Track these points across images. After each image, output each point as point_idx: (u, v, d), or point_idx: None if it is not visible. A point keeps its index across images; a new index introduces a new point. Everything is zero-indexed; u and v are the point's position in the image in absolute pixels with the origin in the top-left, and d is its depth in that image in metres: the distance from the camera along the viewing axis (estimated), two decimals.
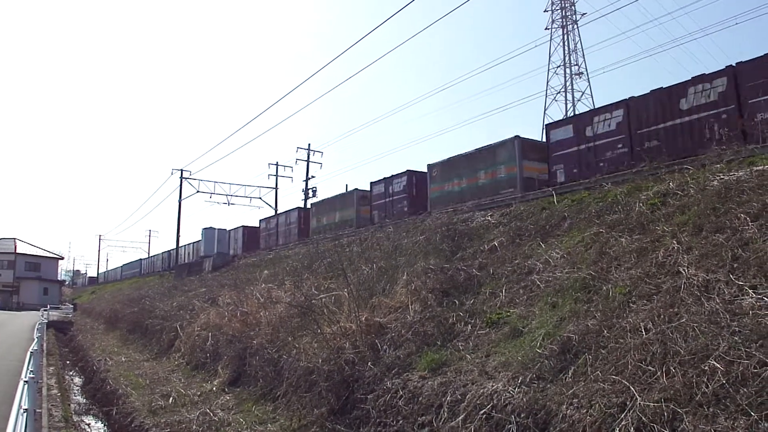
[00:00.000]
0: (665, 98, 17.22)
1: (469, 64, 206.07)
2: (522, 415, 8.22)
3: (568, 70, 60.69)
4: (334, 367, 12.57)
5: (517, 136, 22.08)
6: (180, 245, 58.01)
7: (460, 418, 8.94)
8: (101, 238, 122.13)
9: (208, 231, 48.94)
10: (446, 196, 24.75)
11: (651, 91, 17.89)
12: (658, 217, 11.82)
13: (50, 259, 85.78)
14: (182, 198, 55.86)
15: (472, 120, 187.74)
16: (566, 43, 61.09)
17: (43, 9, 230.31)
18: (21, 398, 9.94)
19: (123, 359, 25.58)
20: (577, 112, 53.44)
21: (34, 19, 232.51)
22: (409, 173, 28.59)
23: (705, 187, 11.89)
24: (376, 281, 16.21)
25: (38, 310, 51.47)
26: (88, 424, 17.44)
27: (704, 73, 16.55)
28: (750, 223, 9.54)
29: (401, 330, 12.77)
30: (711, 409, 6.42)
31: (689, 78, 16.95)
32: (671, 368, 7.29)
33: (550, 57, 61.53)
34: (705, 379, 6.79)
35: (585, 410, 7.55)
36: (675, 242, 10.29)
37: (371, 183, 31.22)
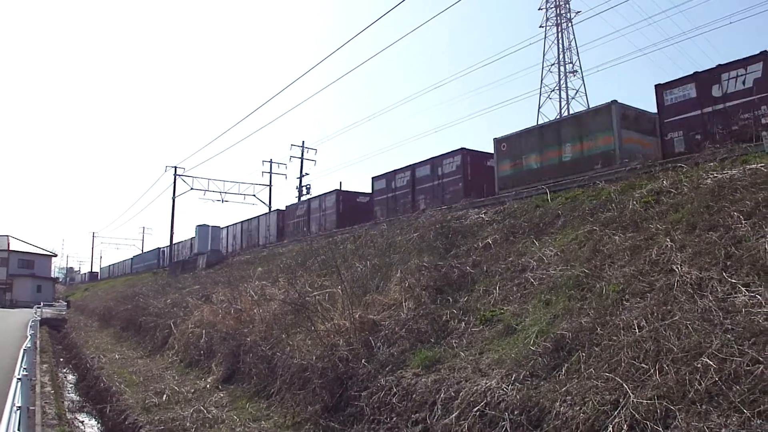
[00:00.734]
0: None
1: (465, 63, 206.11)
2: (515, 413, 8.23)
3: (562, 68, 60.78)
4: (327, 365, 12.57)
5: (614, 101, 19.48)
6: (175, 242, 58.00)
7: (454, 415, 8.95)
8: (95, 235, 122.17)
9: (201, 228, 48.87)
10: (520, 175, 21.86)
11: None
12: (651, 215, 11.85)
13: (44, 256, 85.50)
14: (176, 195, 55.78)
15: (468, 117, 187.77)
16: (560, 41, 61.18)
17: (37, 5, 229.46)
18: (14, 396, 9.91)
19: (117, 356, 25.49)
20: (571, 111, 53.56)
21: (26, 16, 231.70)
22: (463, 152, 25.72)
23: (698, 185, 11.92)
24: (369, 278, 16.21)
25: (31, 308, 51.26)
26: (82, 422, 17.36)
27: None
28: (743, 222, 9.57)
29: (395, 327, 12.77)
30: (704, 407, 6.44)
31: None
32: (664, 366, 7.32)
33: (544, 55, 61.86)
34: (698, 377, 6.81)
35: (578, 407, 7.57)
36: (668, 240, 10.32)
37: (413, 165, 28.43)
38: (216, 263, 41.68)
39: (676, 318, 8.08)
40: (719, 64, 16.66)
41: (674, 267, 9.41)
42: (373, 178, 31.35)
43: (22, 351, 15.70)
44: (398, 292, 14.33)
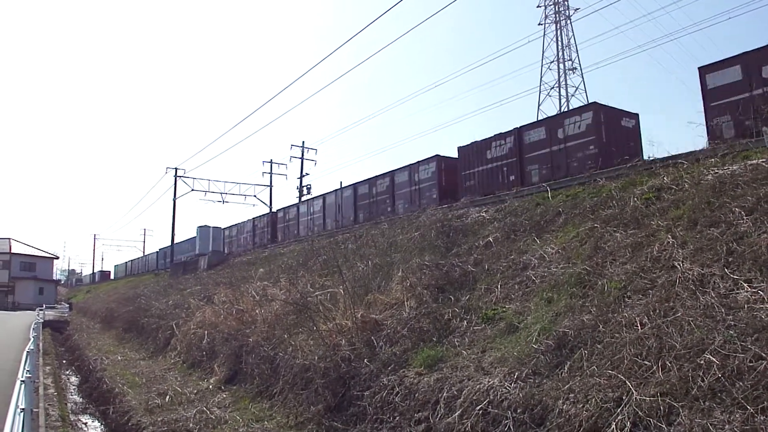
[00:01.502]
0: None
1: (465, 61, 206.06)
2: (518, 411, 8.23)
3: (561, 66, 60.65)
4: (330, 364, 12.58)
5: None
6: (179, 241, 58.07)
7: (457, 414, 8.95)
8: (96, 237, 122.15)
9: (203, 229, 48.89)
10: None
11: None
12: (652, 212, 11.83)
13: (45, 258, 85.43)
14: (177, 197, 55.71)
15: (468, 115, 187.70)
16: (559, 39, 61.06)
17: (37, 6, 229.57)
18: (18, 398, 9.90)
19: (119, 358, 25.52)
20: (571, 108, 53.51)
21: (27, 17, 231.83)
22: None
23: (699, 181, 11.90)
24: (371, 278, 16.22)
25: (34, 310, 51.27)
26: (85, 423, 17.39)
27: None
28: (744, 217, 9.56)
29: (397, 326, 12.77)
30: (707, 403, 6.44)
31: None
32: (667, 362, 7.31)
33: (543, 52, 61.45)
34: (701, 373, 6.80)
35: (581, 405, 7.57)
36: (670, 237, 10.30)
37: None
38: (217, 264, 41.70)
39: (679, 315, 8.08)
40: None
41: (676, 263, 9.40)
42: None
43: (25, 353, 15.72)
44: (400, 291, 14.33)
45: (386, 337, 12.66)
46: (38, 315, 43.17)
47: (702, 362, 6.94)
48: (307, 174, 55.77)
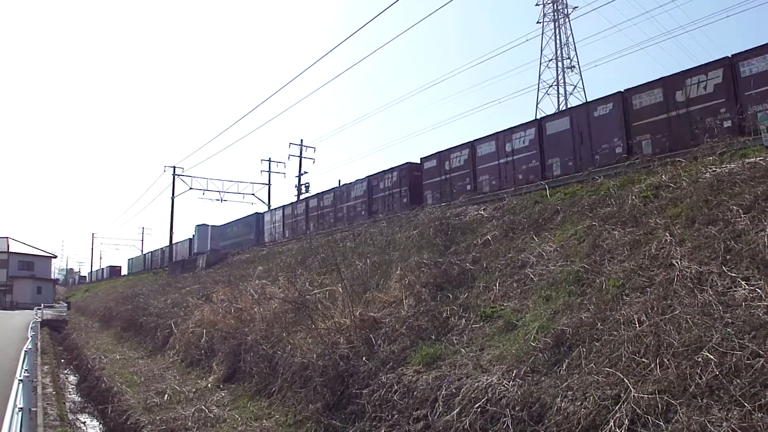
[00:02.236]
0: None
1: (463, 59, 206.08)
2: (517, 408, 8.24)
3: (560, 64, 60.68)
4: (328, 363, 12.58)
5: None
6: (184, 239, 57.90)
7: (455, 411, 8.95)
8: (94, 236, 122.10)
9: (201, 228, 48.83)
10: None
11: None
12: (650, 210, 11.84)
13: (43, 257, 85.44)
14: (175, 195, 55.68)
15: (467, 113, 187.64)
16: (558, 37, 61.08)
17: (37, 5, 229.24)
18: (16, 397, 9.91)
19: (117, 357, 25.51)
20: (569, 106, 53.51)
21: (26, 16, 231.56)
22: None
23: (697, 179, 11.92)
24: (369, 276, 16.22)
25: (32, 309, 51.23)
26: (84, 422, 17.39)
27: None
28: (742, 215, 9.57)
29: (395, 324, 12.77)
30: (705, 401, 6.45)
31: None
32: (665, 360, 7.32)
33: (542, 51, 61.49)
34: (698, 371, 6.81)
35: (579, 403, 7.58)
36: (668, 235, 10.31)
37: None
38: (216, 262, 41.67)
39: (677, 312, 8.09)
40: None
41: (674, 261, 9.42)
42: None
43: (23, 352, 15.70)
44: (398, 289, 14.34)
45: (385, 335, 12.67)
46: (36, 314, 43.13)
47: (700, 360, 6.95)
48: (305, 172, 55.80)
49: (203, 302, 25.15)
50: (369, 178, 30.48)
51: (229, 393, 15.60)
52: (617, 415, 6.94)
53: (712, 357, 6.85)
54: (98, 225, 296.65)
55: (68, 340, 38.35)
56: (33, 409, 13.52)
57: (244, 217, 48.67)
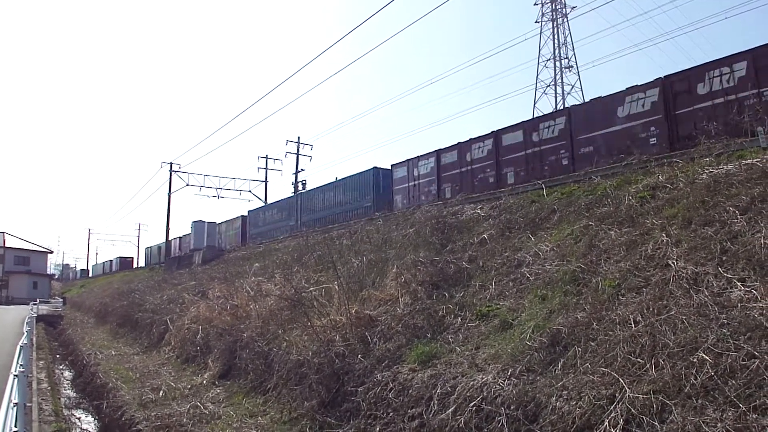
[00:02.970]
0: None
1: (462, 58, 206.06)
2: (512, 407, 8.24)
3: (558, 64, 60.72)
4: (324, 360, 12.58)
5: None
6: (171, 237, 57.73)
7: (450, 410, 8.96)
8: (91, 231, 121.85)
9: (197, 224, 48.74)
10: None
11: None
12: (647, 210, 11.85)
13: (39, 252, 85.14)
14: (171, 191, 55.65)
15: (466, 112, 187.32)
16: (556, 37, 61.12)
17: (36, 4, 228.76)
18: (11, 392, 9.88)
19: (113, 353, 25.51)
20: (567, 105, 53.52)
21: (23, 13, 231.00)
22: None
23: (694, 180, 11.92)
24: (366, 274, 16.22)
25: (27, 305, 51.17)
26: (79, 418, 17.37)
27: None
28: (739, 216, 9.58)
29: (391, 323, 12.78)
30: (700, 401, 6.46)
31: None
32: (660, 360, 7.33)
33: (540, 50, 61.53)
34: (694, 371, 6.82)
35: (574, 402, 7.59)
36: (664, 235, 10.32)
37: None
38: (212, 259, 41.63)
39: (672, 313, 8.10)
40: None
41: (670, 262, 9.42)
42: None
43: (18, 348, 15.68)
44: (394, 287, 14.34)
45: (380, 333, 12.67)
46: (32, 309, 43.07)
47: (695, 360, 6.96)
48: (302, 170, 55.76)
49: (199, 299, 25.15)
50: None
51: (225, 390, 15.60)
52: (612, 414, 6.96)
53: (707, 358, 6.86)
54: (95, 221, 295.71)
55: (64, 335, 38.32)
56: (28, 404, 13.50)
57: (355, 175, 32.41)
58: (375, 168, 30.60)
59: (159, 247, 68.17)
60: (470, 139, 23.91)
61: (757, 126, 13.22)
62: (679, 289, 8.65)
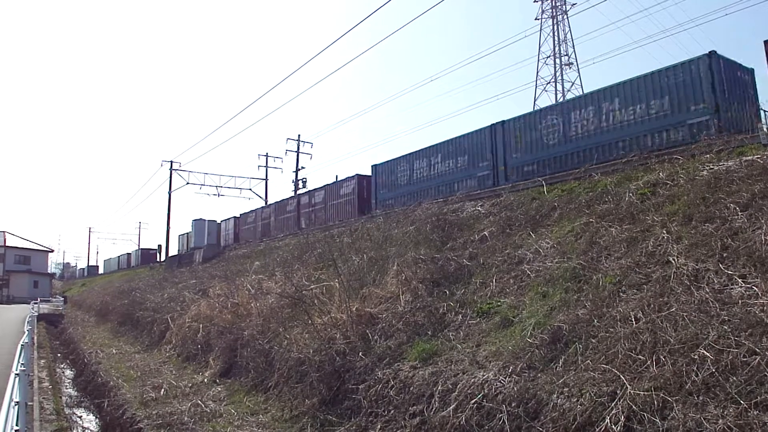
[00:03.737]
0: None
1: (461, 56, 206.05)
2: (513, 405, 8.24)
3: (557, 61, 60.68)
4: (325, 358, 12.58)
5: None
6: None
7: (451, 407, 8.96)
8: (91, 230, 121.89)
9: (198, 222, 48.72)
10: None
11: None
12: (647, 207, 11.85)
13: (40, 251, 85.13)
14: (172, 190, 55.62)
15: (464, 110, 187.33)
16: (556, 34, 61.07)
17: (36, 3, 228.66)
18: (12, 391, 9.88)
19: (114, 351, 25.51)
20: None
21: (23, 11, 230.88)
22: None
23: (694, 177, 11.93)
24: (366, 271, 16.21)
25: (28, 303, 51.18)
26: (80, 417, 17.38)
27: None
28: (739, 213, 9.58)
29: (392, 320, 12.78)
30: (701, 398, 6.46)
31: None
32: (661, 357, 7.33)
33: (540, 47, 61.50)
34: (695, 368, 6.82)
35: (575, 399, 7.58)
36: (665, 232, 10.32)
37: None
38: (213, 257, 41.64)
39: (673, 309, 8.10)
40: None
41: (671, 259, 9.42)
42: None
43: (19, 347, 15.67)
44: (395, 284, 14.33)
45: (381, 330, 12.67)
46: (33, 308, 43.09)
47: (696, 357, 6.96)
48: (302, 168, 55.71)
49: (200, 297, 25.14)
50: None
51: (226, 388, 15.60)
52: (613, 411, 6.95)
53: (708, 354, 6.86)
54: (95, 219, 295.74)
55: (65, 334, 38.33)
56: (29, 403, 13.53)
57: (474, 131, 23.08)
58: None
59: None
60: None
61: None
62: (680, 285, 8.65)
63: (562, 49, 60.85)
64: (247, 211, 45.05)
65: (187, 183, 54.88)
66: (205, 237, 47.45)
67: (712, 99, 15.37)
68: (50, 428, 14.02)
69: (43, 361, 24.16)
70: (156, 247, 65.51)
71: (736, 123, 15.42)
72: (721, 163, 11.93)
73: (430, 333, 11.82)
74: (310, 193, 35.91)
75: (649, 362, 7.39)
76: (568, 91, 59.28)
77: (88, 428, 16.46)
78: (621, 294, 9.38)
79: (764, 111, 16.11)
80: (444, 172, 23.98)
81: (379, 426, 10.10)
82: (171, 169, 55.17)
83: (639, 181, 13.36)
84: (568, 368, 8.34)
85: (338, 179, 32.91)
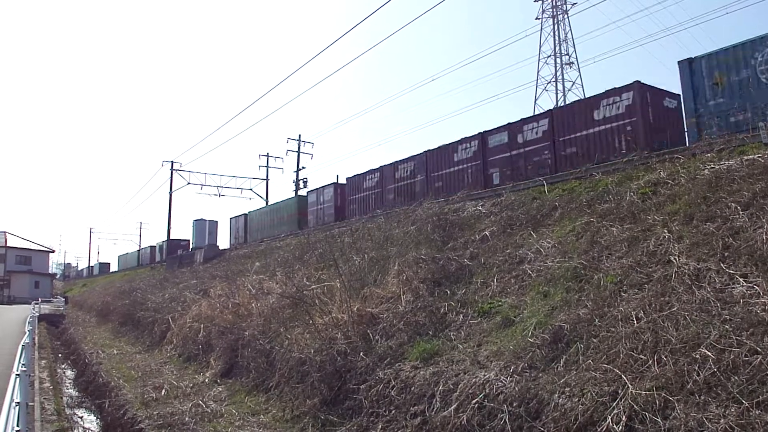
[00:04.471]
0: None
1: (461, 55, 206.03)
2: (514, 404, 8.24)
3: (558, 60, 60.68)
4: (326, 358, 12.58)
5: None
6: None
7: (453, 407, 8.95)
8: (92, 230, 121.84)
9: (199, 223, 48.77)
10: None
11: None
12: (649, 207, 11.84)
13: (41, 252, 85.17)
14: (173, 190, 55.62)
15: (464, 110, 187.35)
16: (557, 33, 61.07)
17: (36, 2, 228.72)
18: (13, 392, 9.86)
19: (115, 352, 25.51)
20: (568, 102, 53.44)
21: (23, 11, 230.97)
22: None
23: (695, 176, 11.91)
24: (367, 272, 16.20)
25: (29, 304, 51.18)
26: (81, 417, 17.37)
27: None
28: (740, 212, 9.57)
29: (393, 320, 12.77)
30: (702, 397, 6.45)
31: None
32: (663, 357, 7.32)
33: (540, 47, 61.50)
34: (696, 368, 6.82)
35: (577, 399, 7.58)
36: (666, 231, 10.31)
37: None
38: (213, 257, 41.64)
39: (674, 309, 8.09)
40: None
41: (672, 258, 9.41)
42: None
43: (20, 347, 15.66)
44: (396, 284, 14.32)
45: (382, 330, 12.66)
46: (34, 308, 43.10)
47: (697, 356, 6.95)
48: (303, 168, 55.72)
49: (201, 297, 25.14)
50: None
51: (227, 388, 15.59)
52: (615, 411, 6.95)
53: (709, 354, 6.85)
54: (96, 220, 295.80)
55: (66, 334, 38.32)
56: (30, 403, 13.52)
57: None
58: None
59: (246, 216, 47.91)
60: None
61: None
62: (681, 285, 8.64)
63: (562, 48, 60.90)
64: (252, 209, 45.14)
65: (188, 183, 54.92)
66: (205, 237, 47.48)
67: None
68: (51, 429, 14.01)
69: (44, 361, 24.16)
70: (185, 239, 59.51)
71: None
72: (722, 162, 11.92)
73: (431, 333, 11.81)
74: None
75: (650, 362, 7.38)
76: (569, 90, 59.34)
77: (89, 428, 16.44)
78: (622, 293, 9.37)
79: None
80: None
81: (380, 426, 10.09)
82: (172, 169, 55.20)
83: (640, 181, 13.35)
84: (570, 368, 8.33)
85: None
